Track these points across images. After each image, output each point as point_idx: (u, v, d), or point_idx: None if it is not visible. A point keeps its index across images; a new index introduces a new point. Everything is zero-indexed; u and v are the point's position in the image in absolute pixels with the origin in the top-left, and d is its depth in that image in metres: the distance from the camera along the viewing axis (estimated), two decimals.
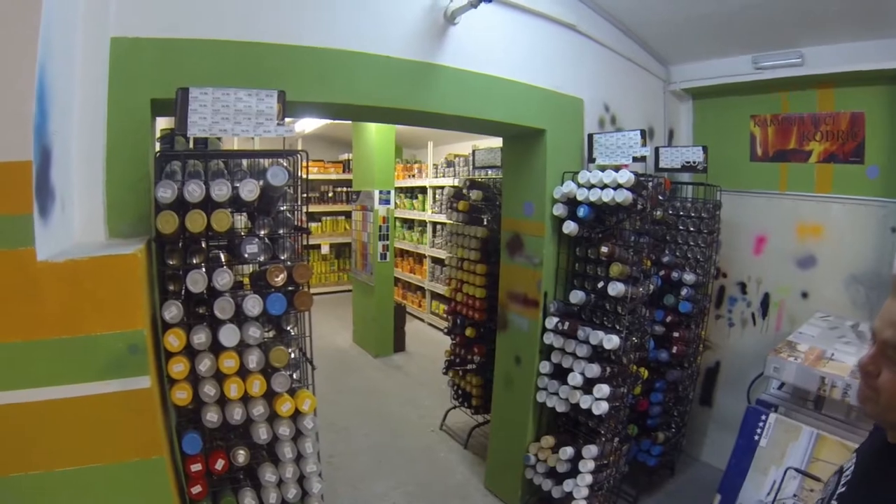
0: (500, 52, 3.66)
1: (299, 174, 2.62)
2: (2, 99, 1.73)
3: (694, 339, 4.51)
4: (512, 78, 3.71)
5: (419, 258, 10.24)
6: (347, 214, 11.73)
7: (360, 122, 7.73)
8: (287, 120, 2.47)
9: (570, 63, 4.14)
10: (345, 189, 12.07)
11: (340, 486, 4.66)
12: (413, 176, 10.29)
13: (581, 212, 3.81)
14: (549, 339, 4.00)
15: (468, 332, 5.29)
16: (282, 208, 2.65)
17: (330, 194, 12.25)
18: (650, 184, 3.84)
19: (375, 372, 7.51)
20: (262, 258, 2.44)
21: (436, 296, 9.56)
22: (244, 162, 2.74)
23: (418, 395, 6.63)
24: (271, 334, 2.65)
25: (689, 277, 4.31)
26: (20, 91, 1.76)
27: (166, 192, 2.17)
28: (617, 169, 3.69)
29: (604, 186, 3.70)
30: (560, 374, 3.99)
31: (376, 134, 7.94)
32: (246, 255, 2.36)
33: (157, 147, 2.82)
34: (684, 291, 4.33)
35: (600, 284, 3.83)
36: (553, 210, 3.98)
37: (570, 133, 4.15)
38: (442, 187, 9.24)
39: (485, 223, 5.27)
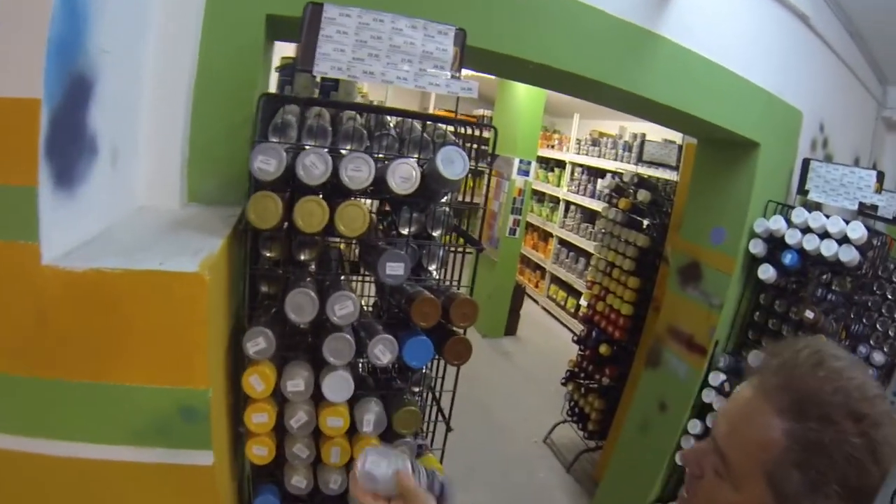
0: (725, 34, 2.64)
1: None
2: None
3: None
4: (734, 70, 2.70)
5: (545, 236, 9.18)
6: (474, 173, 10.70)
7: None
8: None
9: (794, 64, 3.06)
10: (474, 146, 10.93)
11: None
12: (552, 147, 9.15)
13: (788, 258, 2.88)
14: (710, 397, 3.09)
15: (602, 348, 4.36)
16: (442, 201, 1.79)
17: None
18: (876, 242, 2.81)
19: (482, 355, 6.49)
20: (401, 272, 1.51)
21: (555, 279, 8.55)
22: (390, 120, 1.88)
23: (524, 394, 5.74)
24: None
25: (878, 358, 3.20)
26: None
27: (268, 164, 1.32)
28: (846, 221, 2.73)
29: (824, 235, 2.76)
30: None
31: (525, 96, 6.84)
32: (387, 277, 1.48)
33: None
34: (870, 373, 3.19)
35: None
36: (750, 246, 3.01)
37: (782, 153, 3.10)
38: (582, 166, 8.15)
39: (644, 228, 4.28)
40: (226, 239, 1.31)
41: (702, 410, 3.16)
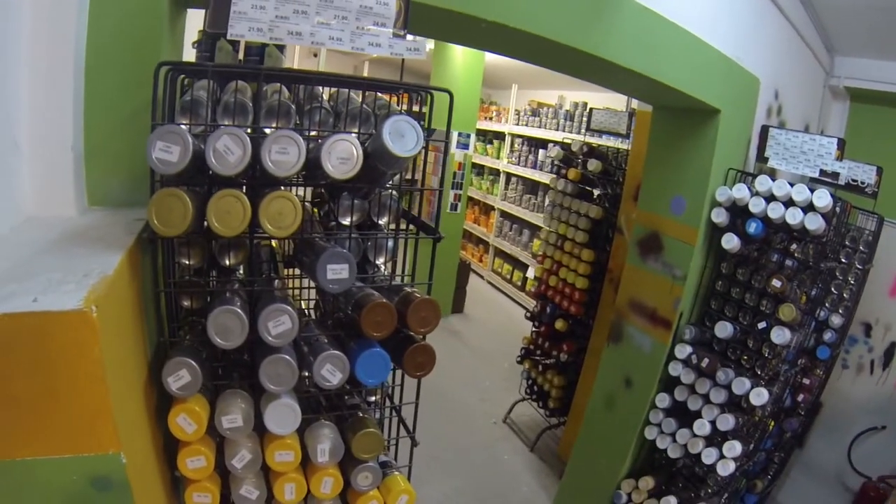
0: None
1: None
2: None
3: (821, 386, 3.44)
4: (697, 34, 2.52)
5: (486, 209, 8.97)
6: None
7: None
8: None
9: (752, 29, 2.93)
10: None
11: None
12: (490, 119, 8.90)
13: (752, 227, 2.77)
14: (677, 370, 2.97)
15: (558, 324, 4.16)
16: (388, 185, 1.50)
17: None
18: (838, 208, 2.74)
19: (431, 335, 6.29)
20: (346, 275, 1.22)
21: (500, 253, 8.35)
22: (323, 92, 1.57)
23: (479, 373, 5.51)
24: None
25: (836, 320, 3.16)
26: None
27: (169, 152, 1.01)
28: (812, 187, 2.67)
29: (789, 203, 2.67)
30: (679, 412, 3.02)
31: (462, 68, 6.54)
32: (329, 284, 1.19)
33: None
34: (828, 336, 3.18)
35: (761, 325, 2.81)
36: (712, 215, 2.86)
37: (741, 120, 2.99)
38: (522, 137, 7.96)
39: (595, 198, 4.08)
40: (126, 253, 0.98)
41: (668, 384, 3.03)
